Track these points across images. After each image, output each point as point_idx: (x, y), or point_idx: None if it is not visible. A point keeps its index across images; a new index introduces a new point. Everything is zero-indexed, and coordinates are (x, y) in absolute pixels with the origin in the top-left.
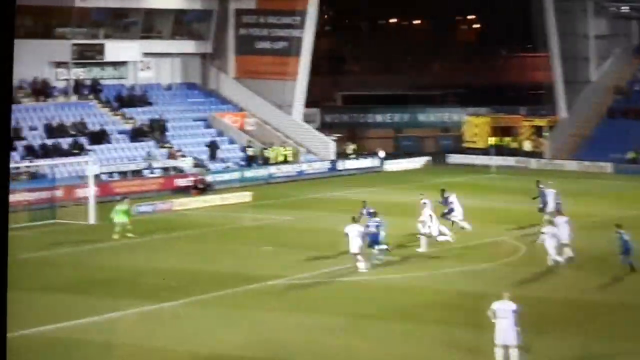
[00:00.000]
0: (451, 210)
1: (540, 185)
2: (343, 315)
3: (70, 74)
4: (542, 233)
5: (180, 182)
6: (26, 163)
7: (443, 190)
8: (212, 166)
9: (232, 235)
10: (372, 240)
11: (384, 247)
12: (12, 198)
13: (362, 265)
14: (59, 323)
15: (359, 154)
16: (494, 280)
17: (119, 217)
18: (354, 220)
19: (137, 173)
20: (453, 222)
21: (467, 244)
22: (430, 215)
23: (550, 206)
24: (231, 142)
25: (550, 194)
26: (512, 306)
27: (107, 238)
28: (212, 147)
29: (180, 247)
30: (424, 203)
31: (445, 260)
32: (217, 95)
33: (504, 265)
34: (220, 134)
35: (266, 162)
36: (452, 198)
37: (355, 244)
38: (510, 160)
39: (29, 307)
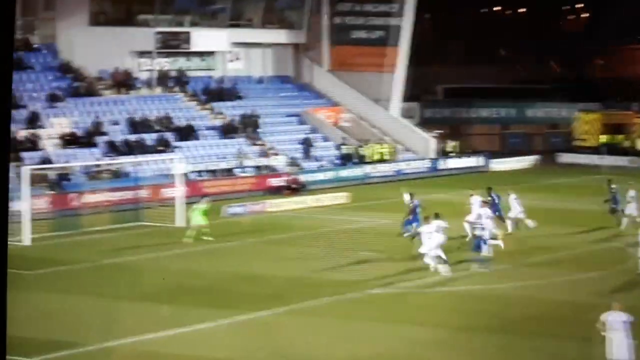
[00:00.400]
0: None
1: (613, 186)
2: (444, 327)
3: (153, 64)
4: None
5: (273, 181)
6: (108, 161)
7: (490, 189)
8: (306, 165)
9: (327, 239)
10: (478, 244)
11: (486, 253)
12: (93, 198)
13: (442, 268)
14: (144, 335)
15: (461, 152)
16: (602, 289)
17: (196, 218)
18: (437, 216)
19: (227, 172)
20: (516, 221)
21: (573, 251)
22: (482, 215)
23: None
24: (325, 139)
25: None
26: (625, 317)
27: (196, 242)
28: (306, 144)
29: (273, 251)
30: (477, 202)
31: (549, 267)
32: (310, 89)
33: (614, 274)
34: (314, 130)
35: (362, 160)
36: (510, 197)
37: (431, 242)
38: (622, 160)
39: (112, 317)
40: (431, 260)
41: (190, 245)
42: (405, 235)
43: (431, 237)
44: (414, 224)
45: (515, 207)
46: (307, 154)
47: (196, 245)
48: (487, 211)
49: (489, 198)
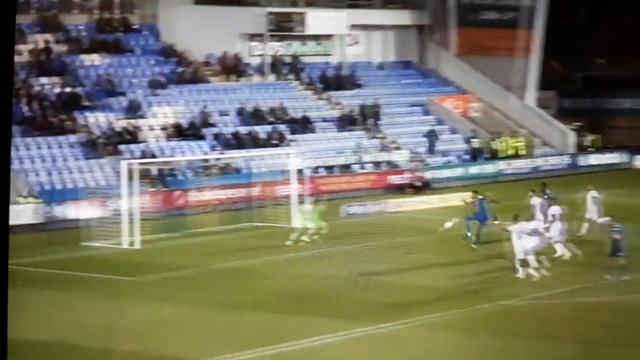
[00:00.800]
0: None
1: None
2: (580, 342)
3: (265, 48)
4: None
5: (395, 179)
6: (216, 155)
7: (544, 185)
8: (431, 160)
9: (454, 244)
10: (616, 249)
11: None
12: (201, 197)
13: (533, 272)
14: (260, 348)
15: (602, 146)
16: None
17: (306, 219)
18: (515, 219)
19: (345, 168)
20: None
21: None
22: (552, 215)
23: None
24: (453, 131)
25: None
26: None
27: (312, 244)
28: (431, 137)
29: (394, 256)
30: (539, 203)
31: None
32: (436, 75)
33: None
34: (440, 121)
35: (494, 155)
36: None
37: (523, 245)
38: None
39: (226, 328)
40: (530, 262)
41: (308, 247)
42: (469, 235)
43: (522, 238)
44: (477, 219)
45: (591, 207)
46: (432, 148)
47: (312, 248)
48: (557, 209)
49: (545, 195)
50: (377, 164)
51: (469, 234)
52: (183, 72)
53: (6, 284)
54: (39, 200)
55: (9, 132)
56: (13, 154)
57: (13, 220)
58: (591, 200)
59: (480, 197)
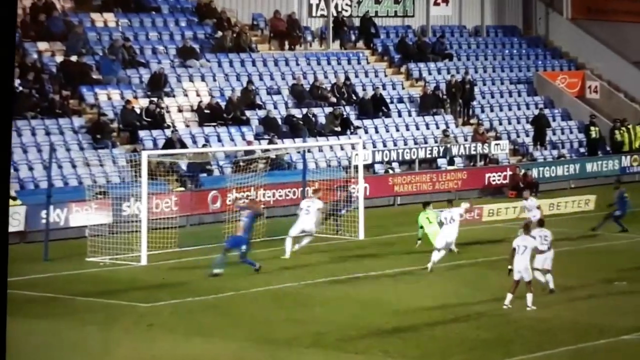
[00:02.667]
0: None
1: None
2: None
3: (329, 8)
4: None
5: (493, 178)
6: (263, 145)
7: (618, 181)
8: (539, 154)
9: (567, 262)
10: None
11: None
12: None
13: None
14: None
15: None
16: None
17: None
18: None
19: (427, 163)
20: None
21: None
22: None
23: None
24: (565, 116)
25: None
26: None
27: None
28: (539, 124)
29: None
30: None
31: None
32: (545, 45)
33: None
34: (549, 104)
35: (617, 148)
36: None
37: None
38: None
39: None
40: None
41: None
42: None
43: None
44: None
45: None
46: (540, 139)
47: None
48: None
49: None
50: (469, 157)
51: None
52: (222, 37)
53: (5, 286)
54: (33, 202)
55: (9, 129)
56: None
57: None
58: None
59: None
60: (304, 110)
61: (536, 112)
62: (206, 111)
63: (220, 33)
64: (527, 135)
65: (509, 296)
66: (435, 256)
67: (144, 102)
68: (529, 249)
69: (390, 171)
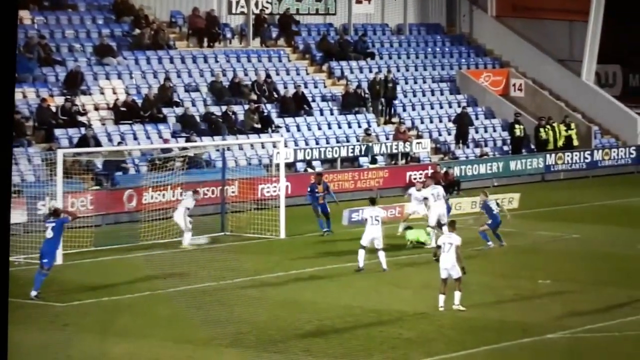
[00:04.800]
0: None
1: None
2: None
3: (249, 4)
4: None
5: (414, 176)
6: (181, 143)
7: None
8: (461, 153)
9: (493, 261)
10: None
11: None
12: (159, 197)
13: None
14: None
15: None
16: None
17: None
18: None
19: (349, 162)
20: None
21: None
22: None
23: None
24: (489, 115)
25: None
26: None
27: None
28: (462, 122)
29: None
30: None
31: None
32: (469, 42)
33: None
34: (472, 102)
35: (541, 147)
36: None
37: None
38: None
39: None
40: None
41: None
42: None
43: None
44: None
45: None
46: (462, 137)
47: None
48: None
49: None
50: (391, 156)
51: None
52: (140, 34)
53: (7, 286)
54: None
55: (11, 129)
56: None
57: None
58: None
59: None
60: (224, 108)
61: (459, 110)
62: (122, 109)
63: (137, 30)
64: (449, 134)
65: (441, 297)
66: (361, 255)
67: (59, 101)
68: (454, 246)
69: (310, 170)
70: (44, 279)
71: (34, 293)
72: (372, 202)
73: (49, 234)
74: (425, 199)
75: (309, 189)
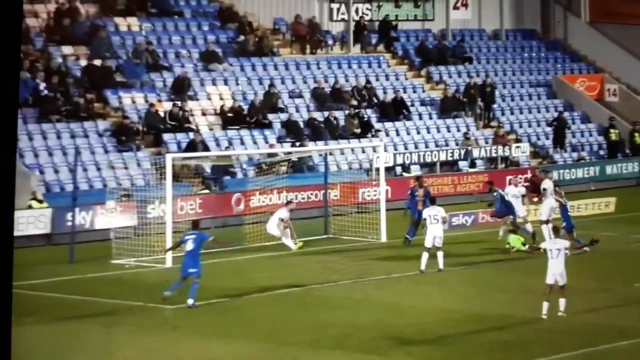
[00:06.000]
0: None
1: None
2: None
3: (349, 12)
4: None
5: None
6: (286, 148)
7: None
8: (559, 156)
9: (586, 265)
10: None
11: None
12: (264, 201)
13: None
14: None
15: None
16: None
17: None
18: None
19: (448, 166)
20: None
21: None
22: None
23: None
24: (585, 119)
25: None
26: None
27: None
28: (559, 127)
29: (512, 278)
30: None
31: None
32: (564, 48)
33: None
34: (569, 107)
35: (636, 151)
36: None
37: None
38: None
39: None
40: None
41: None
42: None
43: None
44: None
45: None
46: (559, 141)
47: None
48: None
49: None
50: (490, 160)
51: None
52: (245, 41)
53: (10, 286)
54: (59, 205)
55: (15, 130)
56: (26, 143)
57: (24, 230)
58: None
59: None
60: (326, 114)
61: (555, 114)
62: (229, 114)
63: (242, 37)
64: (547, 138)
65: (545, 305)
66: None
67: (167, 106)
68: (562, 252)
69: (405, 174)
70: (197, 287)
71: (190, 302)
72: (432, 201)
73: (189, 246)
74: (523, 196)
75: (409, 193)
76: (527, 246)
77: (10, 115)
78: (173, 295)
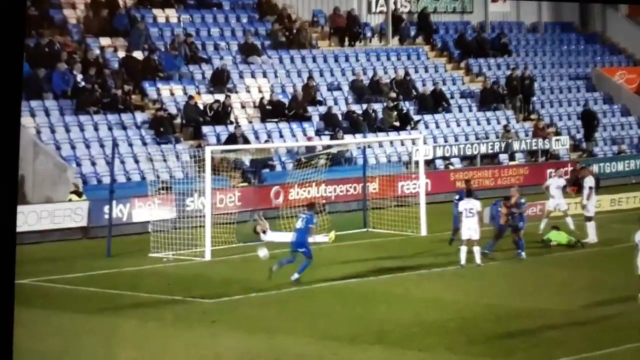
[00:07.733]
0: None
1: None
2: None
3: (388, 4)
4: None
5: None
6: (325, 141)
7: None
8: (598, 149)
9: (624, 259)
10: None
11: None
12: (303, 194)
13: None
14: None
15: None
16: None
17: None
18: None
19: (488, 158)
20: None
21: None
22: None
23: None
24: (625, 112)
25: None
26: None
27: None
28: (597, 120)
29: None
30: None
31: None
32: (603, 41)
33: None
34: (608, 100)
35: None
36: None
37: None
38: None
39: None
40: None
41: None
42: None
43: None
44: None
45: None
46: (588, 135)
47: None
48: None
49: None
50: (530, 153)
51: None
52: (283, 34)
53: (13, 286)
54: (96, 197)
55: (18, 131)
56: (63, 135)
57: (61, 223)
58: None
59: None
60: (364, 106)
61: (595, 107)
62: (268, 107)
63: (277, 26)
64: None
65: None
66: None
67: (206, 98)
68: None
69: (450, 167)
70: (307, 265)
71: (295, 276)
72: (469, 193)
73: (299, 224)
74: (565, 186)
75: (456, 198)
76: (578, 241)
77: (10, 115)
78: (282, 269)
